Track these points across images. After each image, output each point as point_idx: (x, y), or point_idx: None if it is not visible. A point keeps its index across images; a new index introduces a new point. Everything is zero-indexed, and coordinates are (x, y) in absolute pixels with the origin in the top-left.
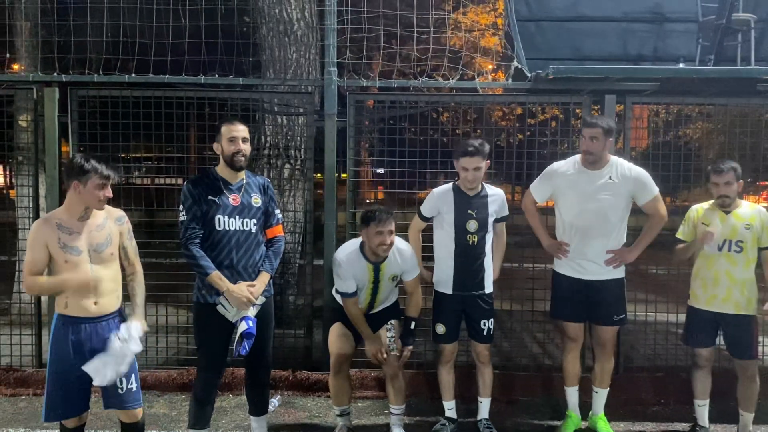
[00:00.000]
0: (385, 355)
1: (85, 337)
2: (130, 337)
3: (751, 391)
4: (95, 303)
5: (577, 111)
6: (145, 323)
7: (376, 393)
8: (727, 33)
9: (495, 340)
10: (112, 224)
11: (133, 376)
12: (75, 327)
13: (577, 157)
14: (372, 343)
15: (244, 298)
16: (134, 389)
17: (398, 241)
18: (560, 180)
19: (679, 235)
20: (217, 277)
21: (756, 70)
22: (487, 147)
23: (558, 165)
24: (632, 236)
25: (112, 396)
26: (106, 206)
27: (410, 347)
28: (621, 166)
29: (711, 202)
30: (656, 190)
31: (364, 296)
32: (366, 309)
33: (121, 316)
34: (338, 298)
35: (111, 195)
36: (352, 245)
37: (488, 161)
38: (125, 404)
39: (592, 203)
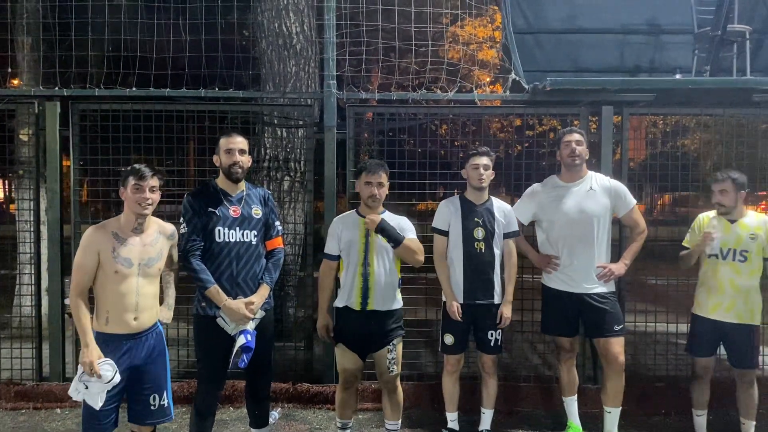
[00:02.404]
0: (331, 334)
1: (124, 353)
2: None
3: (750, 397)
4: (135, 319)
5: (575, 123)
6: (170, 314)
7: (377, 405)
8: (723, 44)
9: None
10: (164, 240)
11: (165, 392)
12: (115, 345)
13: (553, 176)
14: (323, 319)
15: (240, 315)
16: (165, 405)
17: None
18: (543, 197)
19: (685, 243)
20: (215, 291)
21: (752, 81)
22: (492, 153)
23: (537, 185)
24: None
25: (143, 412)
26: (158, 220)
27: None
28: (599, 177)
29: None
30: (634, 201)
31: (356, 255)
32: (361, 287)
33: (158, 331)
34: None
35: (150, 199)
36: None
37: (493, 171)
38: (155, 419)
39: (578, 214)
